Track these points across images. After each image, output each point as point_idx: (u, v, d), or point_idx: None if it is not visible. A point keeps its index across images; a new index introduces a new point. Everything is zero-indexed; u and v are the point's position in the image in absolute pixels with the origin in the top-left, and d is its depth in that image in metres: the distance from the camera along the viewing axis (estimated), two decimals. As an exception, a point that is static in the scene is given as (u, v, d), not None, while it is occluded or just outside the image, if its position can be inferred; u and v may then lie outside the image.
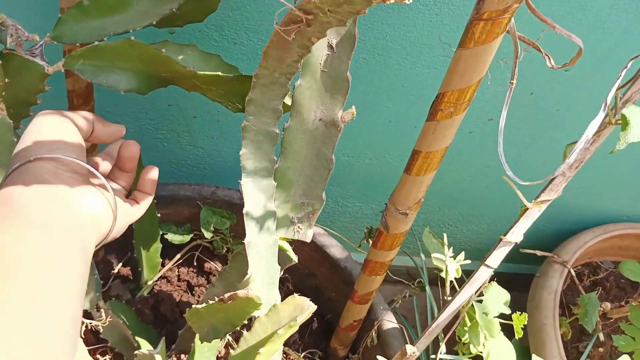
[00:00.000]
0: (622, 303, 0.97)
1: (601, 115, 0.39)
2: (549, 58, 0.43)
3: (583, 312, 0.84)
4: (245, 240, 0.47)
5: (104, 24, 0.43)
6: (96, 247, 0.39)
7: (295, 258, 0.54)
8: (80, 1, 0.42)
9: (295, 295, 0.43)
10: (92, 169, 0.39)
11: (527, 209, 0.49)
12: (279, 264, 0.51)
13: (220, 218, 0.80)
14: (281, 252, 0.52)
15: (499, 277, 0.60)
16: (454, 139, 0.48)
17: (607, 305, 0.89)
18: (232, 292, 0.43)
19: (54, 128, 0.39)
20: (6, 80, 0.43)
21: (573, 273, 0.91)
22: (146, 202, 0.48)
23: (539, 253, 0.91)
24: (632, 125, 0.39)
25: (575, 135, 0.42)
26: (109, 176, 0.47)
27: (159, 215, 0.72)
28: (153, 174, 0.48)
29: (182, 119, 0.74)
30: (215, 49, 0.63)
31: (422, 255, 0.78)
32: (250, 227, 0.48)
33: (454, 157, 0.80)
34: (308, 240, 0.54)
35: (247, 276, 0.47)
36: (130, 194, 0.49)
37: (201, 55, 0.47)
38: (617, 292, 1.00)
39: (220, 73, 0.42)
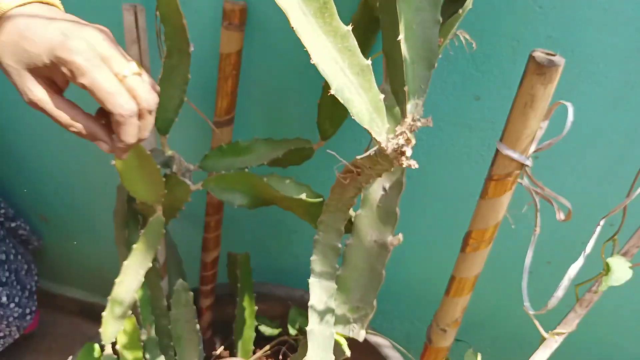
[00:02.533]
0: None
1: (580, 261, 0.49)
2: (558, 211, 0.54)
3: None
4: (308, 328, 0.61)
5: (233, 161, 0.64)
6: None
7: (348, 352, 0.65)
8: (221, 145, 0.65)
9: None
10: None
11: (545, 339, 0.57)
12: (334, 354, 0.64)
13: (306, 319, 0.94)
14: (337, 345, 0.65)
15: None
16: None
17: None
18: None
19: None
20: (165, 191, 0.65)
21: None
22: None
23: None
24: (613, 272, 0.48)
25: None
26: None
27: (256, 308, 0.88)
28: None
29: (287, 233, 0.93)
30: (309, 180, 0.82)
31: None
32: (312, 318, 0.62)
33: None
34: (360, 339, 0.66)
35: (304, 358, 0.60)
36: None
37: (295, 185, 0.65)
38: None
39: (302, 197, 0.60)
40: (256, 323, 0.92)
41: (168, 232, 0.84)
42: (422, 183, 0.76)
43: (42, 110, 0.44)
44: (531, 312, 0.54)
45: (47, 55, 0.41)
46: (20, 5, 0.42)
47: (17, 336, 1.13)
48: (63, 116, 0.44)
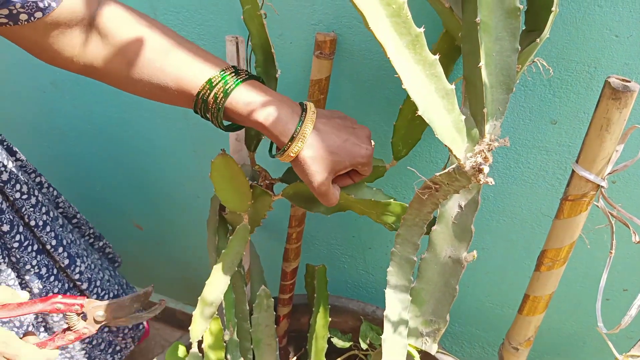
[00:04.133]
0: None
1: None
2: (634, 234, 0.55)
3: None
4: (382, 337, 0.65)
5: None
6: None
7: (420, 364, 0.68)
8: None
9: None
10: None
11: (620, 360, 0.57)
12: (406, 364, 0.67)
13: (376, 334, 0.97)
14: (409, 357, 0.68)
15: None
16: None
17: None
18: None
19: None
20: (252, 201, 0.72)
21: None
22: None
23: None
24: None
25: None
26: None
27: (330, 320, 0.93)
28: None
29: (361, 249, 0.98)
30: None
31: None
32: (387, 327, 0.66)
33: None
34: (433, 352, 0.68)
35: (379, 364, 0.63)
36: None
37: (369, 189, 0.68)
38: None
39: (372, 199, 0.64)
40: (329, 335, 0.97)
41: (252, 243, 0.91)
42: (497, 203, 0.79)
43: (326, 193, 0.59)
44: (604, 332, 0.55)
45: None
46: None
47: (132, 347, 1.18)
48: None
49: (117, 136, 1.07)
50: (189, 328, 0.76)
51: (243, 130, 0.74)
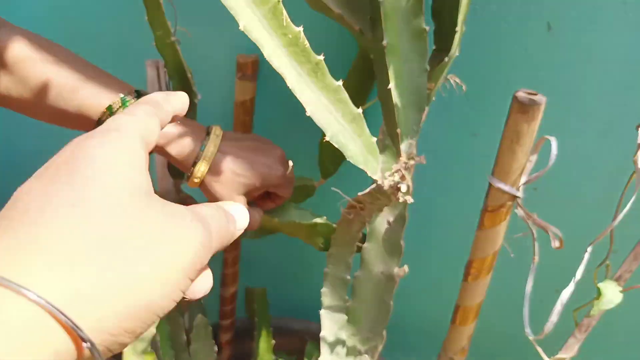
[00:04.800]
0: None
1: (571, 286, 0.51)
2: (554, 239, 0.57)
3: None
4: (319, 359, 0.64)
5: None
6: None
7: (360, 382, 0.68)
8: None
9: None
10: None
11: (548, 364, 0.59)
12: (346, 384, 0.66)
13: (323, 353, 0.96)
14: (349, 375, 0.67)
15: None
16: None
17: None
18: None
19: None
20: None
21: None
22: None
23: None
24: (604, 296, 0.50)
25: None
26: None
27: (274, 342, 0.91)
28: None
29: (304, 267, 0.97)
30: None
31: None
32: (324, 349, 0.65)
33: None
34: (372, 369, 0.68)
35: (316, 388, 0.63)
36: None
37: (296, 210, 0.68)
38: None
39: (295, 221, 0.63)
40: (274, 357, 0.95)
41: (189, 269, 0.88)
42: (429, 214, 0.80)
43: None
44: (531, 337, 0.57)
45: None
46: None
47: None
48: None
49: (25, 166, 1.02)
50: None
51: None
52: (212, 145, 0.53)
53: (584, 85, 0.61)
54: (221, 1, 0.34)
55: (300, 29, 0.37)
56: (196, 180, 0.54)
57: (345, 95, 0.41)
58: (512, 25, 0.59)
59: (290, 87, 0.37)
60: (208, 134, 0.55)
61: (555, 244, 0.57)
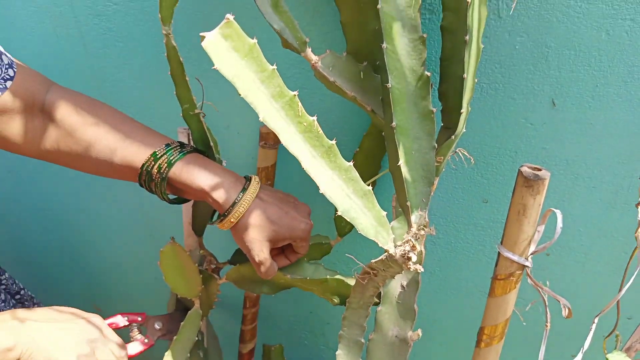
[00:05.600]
0: None
1: (579, 357, 0.52)
2: (564, 309, 0.59)
3: None
4: (336, 423, 0.65)
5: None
6: None
7: None
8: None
9: None
10: None
11: None
12: None
13: (339, 412, 0.96)
14: None
15: None
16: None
17: None
18: None
19: None
20: (202, 286, 0.73)
21: None
22: None
23: None
24: (613, 368, 0.51)
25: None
26: None
27: (290, 400, 0.92)
28: None
29: (319, 324, 0.98)
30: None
31: None
32: (339, 411, 0.66)
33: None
34: None
35: None
36: None
37: (310, 265, 0.70)
38: None
39: (306, 277, 0.66)
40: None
41: (210, 324, 0.91)
42: (444, 277, 0.82)
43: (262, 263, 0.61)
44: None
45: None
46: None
47: None
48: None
49: (74, 222, 1.08)
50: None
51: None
52: (251, 191, 0.58)
53: (588, 158, 0.63)
54: (243, 97, 0.39)
55: (314, 118, 0.41)
56: (232, 220, 0.57)
57: (355, 174, 0.44)
58: (518, 102, 0.63)
59: (305, 169, 0.41)
60: (248, 180, 0.59)
61: (565, 313, 0.58)
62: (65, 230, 1.11)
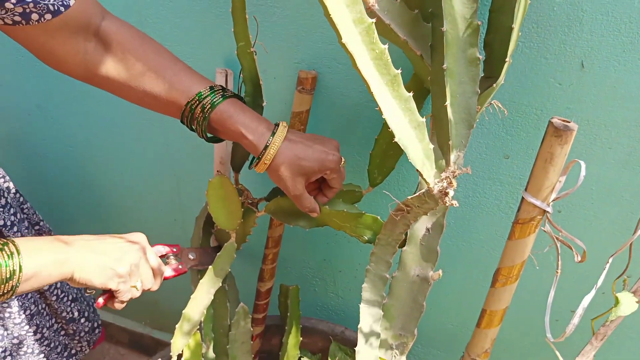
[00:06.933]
0: None
1: (592, 292, 0.58)
2: (577, 254, 0.64)
3: None
4: (357, 348, 0.71)
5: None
6: None
7: (388, 375, 0.74)
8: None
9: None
10: None
11: (566, 367, 0.65)
12: (376, 375, 0.72)
13: (344, 355, 1.02)
14: (379, 367, 0.74)
15: None
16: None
17: None
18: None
19: None
20: (241, 220, 0.77)
21: None
22: None
23: None
24: (621, 304, 0.57)
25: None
26: None
27: (301, 339, 0.97)
28: None
29: (332, 272, 1.04)
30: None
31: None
32: (360, 339, 0.71)
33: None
34: (401, 364, 0.74)
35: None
36: None
37: (344, 204, 0.74)
38: None
39: (344, 210, 0.70)
40: (299, 355, 1.01)
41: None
42: (457, 229, 0.87)
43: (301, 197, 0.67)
44: (552, 341, 0.63)
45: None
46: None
47: (87, 351, 1.20)
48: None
49: (97, 160, 1.11)
50: (170, 341, 0.79)
51: (228, 153, 0.80)
52: (280, 134, 0.63)
53: (609, 119, 0.68)
54: (329, 18, 0.42)
55: (386, 46, 0.45)
56: (266, 162, 0.63)
57: (413, 105, 0.48)
58: (550, 61, 0.67)
59: (372, 93, 0.45)
60: (276, 125, 0.64)
61: (578, 258, 0.64)
62: (87, 167, 1.14)
